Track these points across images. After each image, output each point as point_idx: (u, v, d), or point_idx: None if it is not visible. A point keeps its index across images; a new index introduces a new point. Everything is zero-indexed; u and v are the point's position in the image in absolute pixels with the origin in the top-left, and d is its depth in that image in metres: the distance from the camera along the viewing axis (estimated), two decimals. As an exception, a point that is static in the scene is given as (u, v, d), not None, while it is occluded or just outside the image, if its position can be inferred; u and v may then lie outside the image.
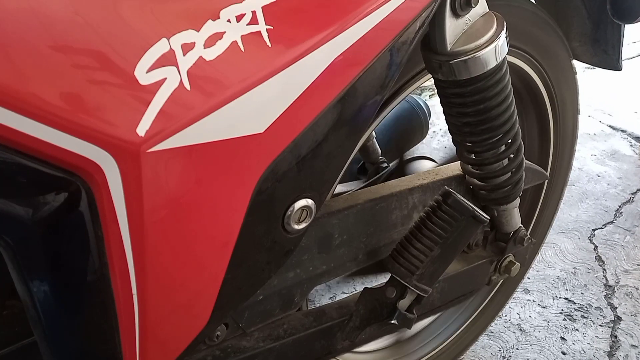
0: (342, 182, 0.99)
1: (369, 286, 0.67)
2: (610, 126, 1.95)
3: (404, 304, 0.65)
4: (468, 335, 1.06)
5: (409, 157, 1.01)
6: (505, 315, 1.22)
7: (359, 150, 1.00)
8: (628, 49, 2.43)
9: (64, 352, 0.46)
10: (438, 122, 1.79)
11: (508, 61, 0.79)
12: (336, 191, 0.75)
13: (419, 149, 1.23)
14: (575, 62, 0.92)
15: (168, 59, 0.37)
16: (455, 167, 0.78)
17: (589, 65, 0.99)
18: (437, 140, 1.79)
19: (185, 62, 0.37)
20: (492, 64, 0.62)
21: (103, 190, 0.37)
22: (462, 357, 1.10)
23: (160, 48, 0.36)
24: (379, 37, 0.48)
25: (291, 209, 0.51)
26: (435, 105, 1.03)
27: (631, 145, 1.86)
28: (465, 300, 0.89)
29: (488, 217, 0.63)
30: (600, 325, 1.22)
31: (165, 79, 0.37)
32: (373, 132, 1.01)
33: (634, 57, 2.42)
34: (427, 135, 1.78)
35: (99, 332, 0.44)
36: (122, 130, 0.36)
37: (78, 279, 0.42)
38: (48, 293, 0.43)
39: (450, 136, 0.73)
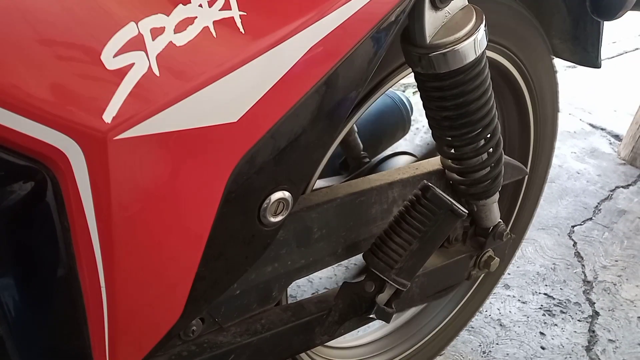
0: (324, 177, 0.99)
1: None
2: (590, 124, 1.98)
3: (382, 298, 0.65)
4: (449, 331, 1.06)
5: (390, 153, 1.01)
6: (486, 311, 1.23)
7: (341, 145, 1.00)
8: (608, 48, 2.47)
9: (31, 349, 0.45)
10: (421, 118, 1.79)
11: (489, 57, 0.79)
12: (317, 186, 0.75)
13: (402, 145, 1.23)
14: (556, 61, 0.92)
15: (136, 44, 0.36)
16: (435, 162, 0.78)
17: (570, 64, 1.00)
18: (420, 137, 1.80)
19: (155, 47, 0.36)
20: (471, 57, 0.61)
21: (68, 179, 0.35)
22: (442, 352, 1.10)
23: (128, 32, 0.35)
24: (357, 27, 0.48)
25: (267, 201, 0.50)
26: (418, 102, 1.03)
27: (610, 143, 1.89)
28: (445, 295, 0.89)
29: (466, 211, 0.63)
30: (578, 320, 1.23)
31: (134, 64, 0.35)
32: (355, 127, 1.00)
33: (614, 57, 2.46)
34: (410, 132, 1.78)
35: (67, 326, 0.43)
36: (88, 116, 0.34)
37: (44, 272, 0.41)
38: (13, 286, 0.42)
39: (433, 133, 0.72)
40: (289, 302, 0.73)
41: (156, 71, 0.36)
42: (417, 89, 0.68)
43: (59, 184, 0.36)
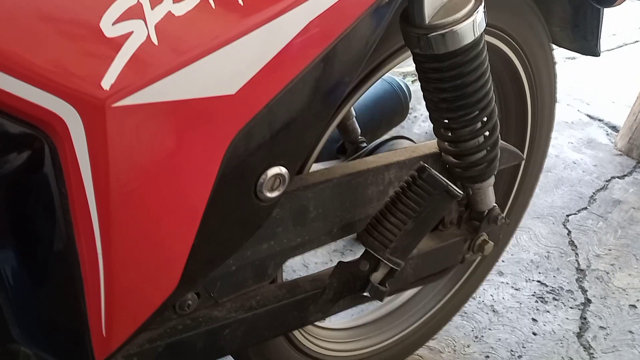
0: (321, 161, 0.99)
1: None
2: (588, 115, 1.99)
3: (376, 277, 0.65)
4: (442, 316, 1.07)
5: (387, 137, 1.01)
6: (479, 297, 1.24)
7: (339, 129, 1.00)
8: (608, 40, 2.47)
9: (29, 318, 0.45)
10: (420, 107, 1.80)
11: (489, 42, 0.79)
12: (314, 169, 0.75)
13: (400, 133, 1.24)
14: (555, 52, 0.92)
15: (135, 12, 0.36)
16: (432, 145, 0.78)
17: (569, 55, 1.00)
18: (418, 126, 1.80)
19: (153, 16, 0.36)
20: (470, 38, 0.62)
21: (66, 145, 0.36)
22: (435, 336, 1.11)
23: (127, 0, 0.35)
24: (356, 3, 0.48)
25: (264, 176, 0.51)
26: (417, 90, 1.03)
27: (607, 134, 1.89)
28: (439, 278, 0.90)
29: (462, 192, 0.64)
30: (570, 308, 1.24)
31: (132, 32, 0.36)
32: (353, 111, 1.00)
33: (613, 49, 2.45)
34: (408, 120, 1.78)
35: (64, 295, 0.43)
36: (87, 83, 0.35)
37: (42, 240, 0.41)
38: (11, 255, 0.42)
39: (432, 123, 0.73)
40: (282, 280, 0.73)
41: (155, 40, 0.36)
42: (416, 77, 0.68)
43: (57, 150, 0.36)
